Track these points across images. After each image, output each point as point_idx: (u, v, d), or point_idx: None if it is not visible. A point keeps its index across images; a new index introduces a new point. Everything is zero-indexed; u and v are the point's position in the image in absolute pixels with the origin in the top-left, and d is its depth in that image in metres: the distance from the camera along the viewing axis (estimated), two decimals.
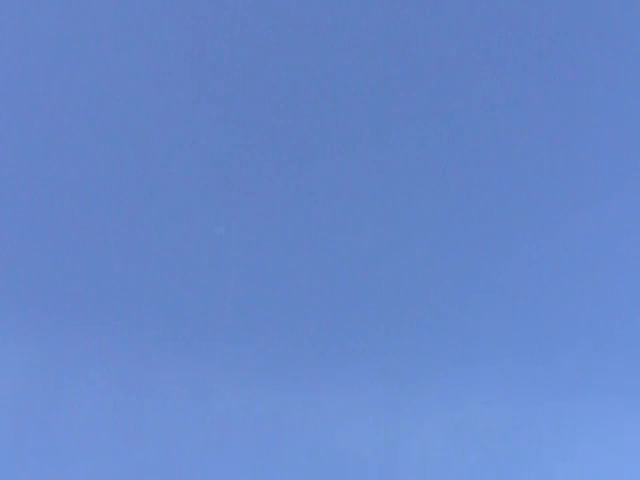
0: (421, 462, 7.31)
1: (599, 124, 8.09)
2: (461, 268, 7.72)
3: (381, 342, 7.57)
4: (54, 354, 7.45)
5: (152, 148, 7.99)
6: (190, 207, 7.81)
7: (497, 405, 7.44)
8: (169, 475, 7.24)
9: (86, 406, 7.34)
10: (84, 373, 7.45)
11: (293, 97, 8.14)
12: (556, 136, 8.09)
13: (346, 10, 8.21)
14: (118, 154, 7.88)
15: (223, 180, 7.93)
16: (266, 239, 7.76)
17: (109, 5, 8.10)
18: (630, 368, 7.50)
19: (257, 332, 7.58)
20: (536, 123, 8.10)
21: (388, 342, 7.58)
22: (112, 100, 7.94)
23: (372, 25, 8.20)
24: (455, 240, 7.75)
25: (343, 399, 7.44)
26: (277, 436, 7.33)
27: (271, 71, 8.16)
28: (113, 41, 8.08)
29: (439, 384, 7.47)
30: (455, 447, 7.33)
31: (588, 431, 7.38)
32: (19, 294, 7.59)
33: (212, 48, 8.14)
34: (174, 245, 7.72)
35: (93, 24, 8.10)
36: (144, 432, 7.32)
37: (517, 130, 8.10)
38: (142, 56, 8.05)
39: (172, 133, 8.03)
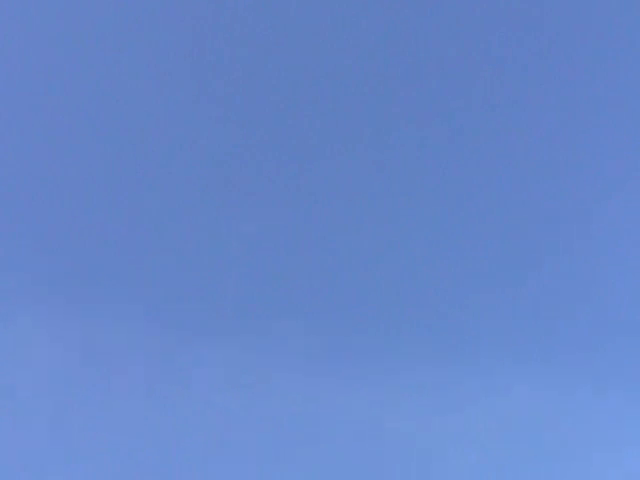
0: (466, 446, 7.35)
1: (600, 124, 8.10)
2: (506, 254, 7.76)
3: (425, 326, 7.61)
4: (93, 336, 7.52)
5: (155, 148, 8.02)
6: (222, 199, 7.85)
7: (542, 392, 7.46)
8: (211, 456, 7.28)
9: (126, 388, 7.40)
10: (124, 356, 7.51)
11: (293, 97, 8.15)
12: (557, 136, 8.10)
13: (346, 10, 8.21)
14: (125, 152, 7.92)
15: (231, 180, 7.96)
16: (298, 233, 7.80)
17: (109, 5, 8.12)
18: None
19: (298, 318, 7.64)
20: (536, 123, 8.11)
21: (431, 326, 7.62)
22: (122, 91, 7.96)
23: (372, 25, 8.21)
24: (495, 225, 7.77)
25: (388, 385, 7.48)
26: (322, 421, 7.38)
27: (271, 71, 8.17)
28: (114, 41, 8.10)
29: (483, 369, 7.50)
30: (499, 433, 7.36)
31: (635, 420, 7.38)
32: (55, 278, 7.65)
33: (212, 48, 8.15)
34: (211, 231, 7.78)
35: (93, 24, 8.12)
36: (186, 414, 7.37)
37: (517, 130, 8.11)
38: (144, 55, 8.07)
39: (173, 131, 8.05)
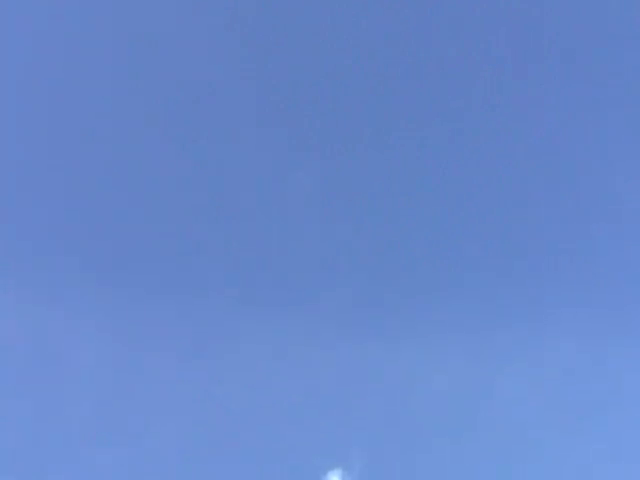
0: (505, 405, 7.43)
1: (601, 124, 8.10)
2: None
3: (465, 290, 7.71)
4: (135, 322, 7.59)
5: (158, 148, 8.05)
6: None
7: (579, 351, 7.53)
8: (259, 424, 7.41)
9: (174, 364, 7.51)
10: (164, 333, 7.63)
11: (294, 97, 8.16)
12: (558, 136, 8.10)
13: (346, 10, 8.22)
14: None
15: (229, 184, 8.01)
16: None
17: (109, 5, 8.15)
18: None
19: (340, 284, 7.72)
20: (537, 123, 8.11)
21: (469, 289, 7.71)
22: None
23: (372, 25, 8.21)
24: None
25: (430, 345, 7.54)
26: (365, 385, 7.49)
27: (272, 71, 8.18)
28: (115, 40, 8.12)
29: (524, 329, 7.58)
30: (538, 389, 7.44)
31: None
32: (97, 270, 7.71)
33: (213, 48, 8.16)
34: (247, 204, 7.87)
35: (92, 25, 8.14)
36: (233, 386, 7.49)
37: (518, 130, 8.11)
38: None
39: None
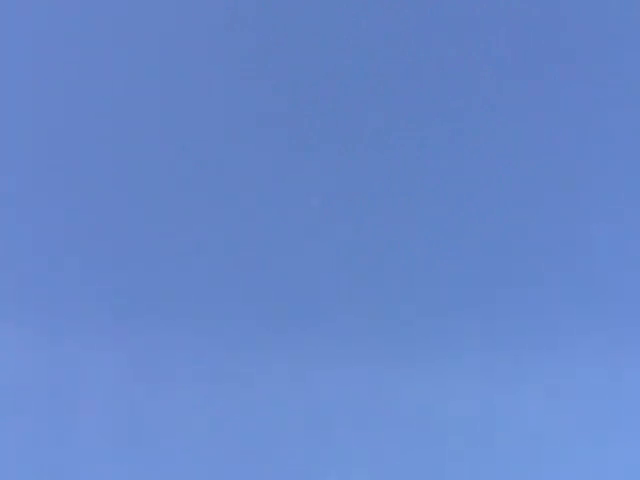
0: (521, 429, 7.39)
1: (602, 124, 8.10)
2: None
3: (479, 312, 7.66)
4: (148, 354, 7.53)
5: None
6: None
7: (595, 369, 7.49)
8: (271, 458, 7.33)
9: (184, 397, 7.44)
10: (176, 368, 7.55)
11: (294, 97, 8.15)
12: (559, 136, 8.10)
13: (346, 10, 8.21)
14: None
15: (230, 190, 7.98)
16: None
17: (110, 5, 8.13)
18: None
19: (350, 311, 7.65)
20: (539, 123, 8.11)
21: (484, 308, 7.68)
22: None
23: (372, 25, 8.20)
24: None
25: (438, 367, 7.50)
26: (378, 412, 7.43)
27: (272, 71, 8.17)
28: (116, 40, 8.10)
29: (535, 348, 7.55)
30: (554, 414, 7.40)
31: None
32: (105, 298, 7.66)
33: (213, 48, 8.14)
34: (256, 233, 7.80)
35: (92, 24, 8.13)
36: (245, 419, 7.42)
37: (519, 130, 8.11)
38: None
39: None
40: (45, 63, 8.01)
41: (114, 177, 7.84)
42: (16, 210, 7.67)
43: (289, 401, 7.32)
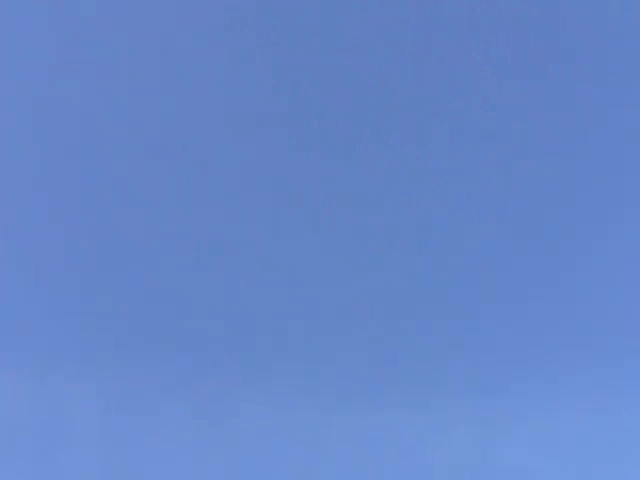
0: (513, 473, 7.35)
1: (603, 124, 8.10)
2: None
3: (470, 353, 7.61)
4: (130, 387, 7.47)
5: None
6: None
7: (588, 414, 7.45)
8: None
9: (169, 438, 7.40)
10: (161, 407, 7.50)
11: (294, 97, 8.15)
12: (559, 136, 8.10)
13: (346, 10, 8.21)
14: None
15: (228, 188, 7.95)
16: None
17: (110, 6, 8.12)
18: None
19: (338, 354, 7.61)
20: (539, 123, 8.11)
21: (476, 353, 7.63)
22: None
23: (372, 25, 8.20)
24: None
25: (432, 413, 7.48)
26: (371, 457, 7.40)
27: (272, 71, 8.17)
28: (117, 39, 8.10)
29: (529, 392, 7.50)
30: (547, 458, 7.37)
31: None
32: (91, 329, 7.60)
33: (213, 48, 8.14)
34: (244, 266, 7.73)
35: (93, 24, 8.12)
36: (232, 464, 7.35)
37: (519, 130, 8.10)
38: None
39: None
40: (45, 63, 8.02)
41: (114, 177, 7.84)
42: None
43: (277, 439, 7.29)
